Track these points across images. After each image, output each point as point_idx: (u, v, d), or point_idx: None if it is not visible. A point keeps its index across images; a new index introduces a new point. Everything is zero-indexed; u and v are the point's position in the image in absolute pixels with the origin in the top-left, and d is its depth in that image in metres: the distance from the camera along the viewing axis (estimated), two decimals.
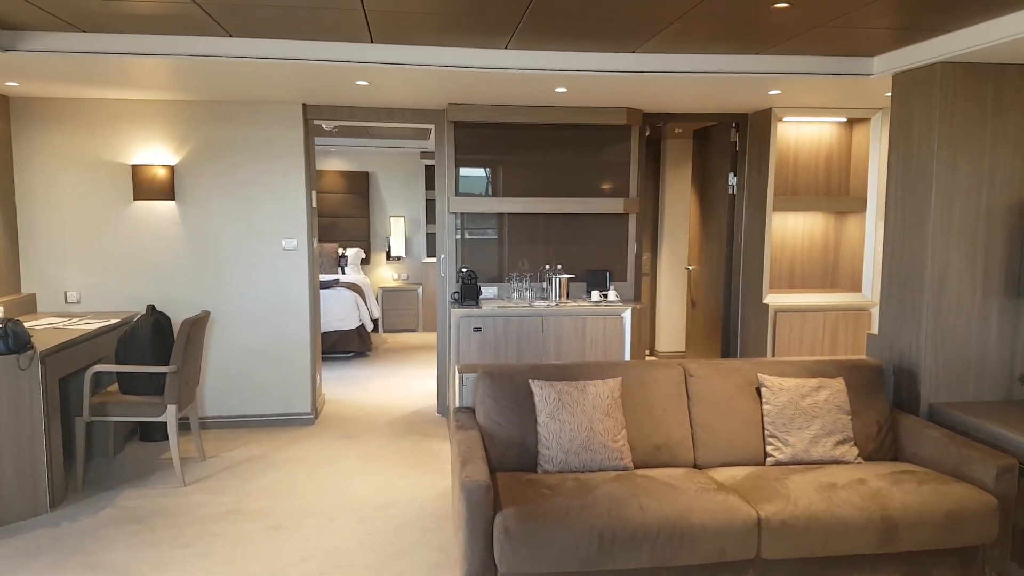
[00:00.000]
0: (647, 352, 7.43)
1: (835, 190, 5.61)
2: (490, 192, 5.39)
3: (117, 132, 5.04)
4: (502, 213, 5.38)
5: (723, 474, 3.25)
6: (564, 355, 4.88)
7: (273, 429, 5.26)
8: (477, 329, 4.80)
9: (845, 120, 5.50)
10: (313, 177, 5.48)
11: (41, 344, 3.88)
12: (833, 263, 5.68)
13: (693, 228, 6.52)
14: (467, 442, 3.12)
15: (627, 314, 4.94)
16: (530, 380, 3.33)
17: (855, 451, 3.40)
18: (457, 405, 3.58)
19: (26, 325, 4.46)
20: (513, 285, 5.22)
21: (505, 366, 3.45)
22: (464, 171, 5.36)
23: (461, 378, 3.55)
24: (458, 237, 5.39)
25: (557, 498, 2.84)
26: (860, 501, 2.93)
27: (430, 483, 4.24)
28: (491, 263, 5.43)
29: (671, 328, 7.40)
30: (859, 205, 5.39)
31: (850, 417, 3.44)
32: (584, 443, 3.19)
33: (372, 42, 3.78)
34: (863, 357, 4.20)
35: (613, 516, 2.76)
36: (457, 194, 5.32)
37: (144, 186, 5.01)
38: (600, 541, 2.72)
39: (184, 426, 5.12)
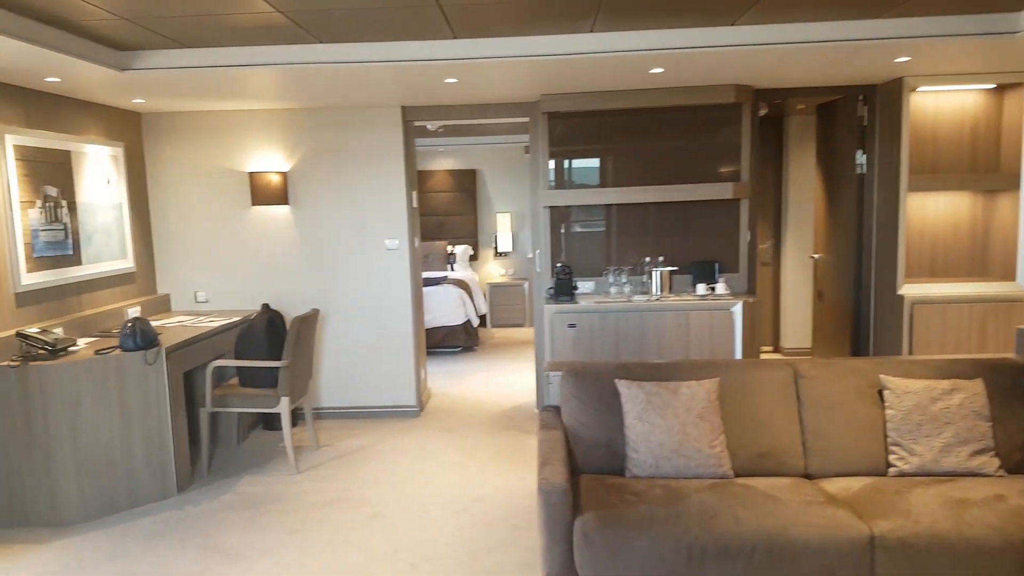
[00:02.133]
0: (769, 348, 7.12)
1: (982, 166, 5.07)
2: (587, 183, 5.35)
3: (235, 142, 5.39)
4: (600, 205, 5.32)
5: (836, 485, 3.05)
6: (666, 353, 4.76)
7: (381, 420, 5.47)
8: (571, 325, 4.78)
9: (993, 87, 4.98)
10: (414, 178, 5.64)
11: (167, 341, 4.23)
12: (982, 248, 5.13)
13: (819, 213, 6.12)
14: (548, 442, 3.13)
15: (738, 308, 4.74)
16: (616, 380, 3.29)
17: (996, 463, 3.08)
18: (544, 403, 3.58)
19: (159, 323, 4.87)
20: (611, 279, 5.15)
21: (591, 364, 3.42)
22: (558, 162, 5.34)
23: (547, 376, 3.55)
24: (561, 230, 5.38)
25: (642, 505, 2.79)
26: (997, 521, 2.64)
27: (523, 479, 4.28)
28: (588, 257, 5.39)
29: (797, 322, 7.03)
30: (1011, 182, 4.84)
31: (990, 424, 3.11)
32: (676, 448, 3.11)
33: (455, 37, 3.84)
34: (1010, 355, 3.76)
35: (704, 528, 2.67)
36: (551, 187, 5.31)
37: (260, 192, 5.33)
38: (688, 553, 2.63)
39: (301, 416, 5.42)
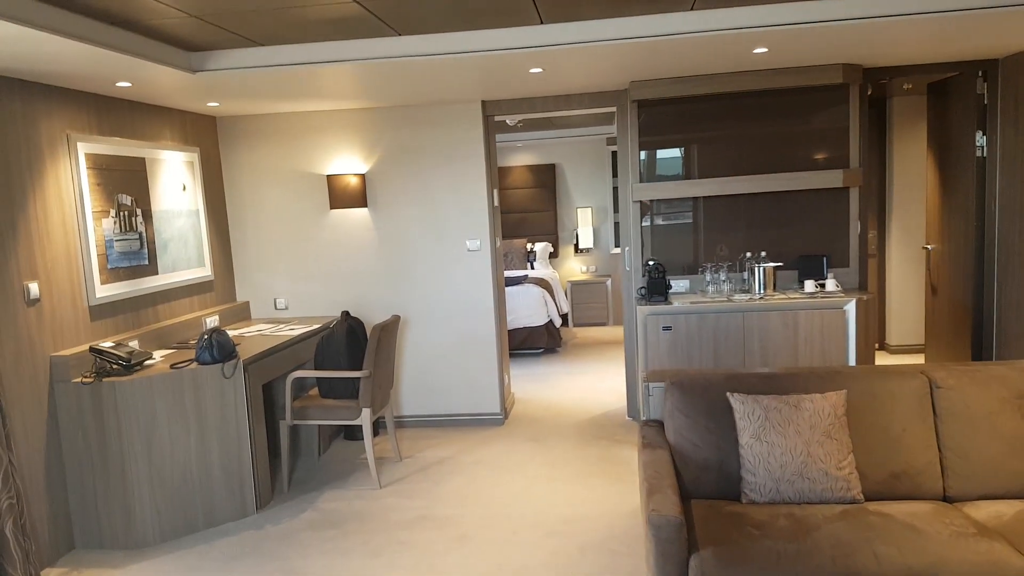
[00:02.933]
0: (875, 345, 6.54)
1: None
2: (680, 174, 4.94)
3: (312, 144, 5.22)
4: (694, 197, 4.90)
5: (984, 511, 2.63)
6: (772, 357, 4.33)
7: (465, 429, 5.22)
8: (667, 328, 4.40)
9: None
10: (495, 175, 5.36)
11: (245, 352, 4.07)
12: None
13: (931, 199, 5.56)
14: (654, 464, 2.77)
15: (851, 307, 4.27)
16: (729, 393, 2.91)
17: None
18: (644, 417, 3.23)
19: (237, 332, 4.74)
20: (708, 277, 4.73)
21: (698, 375, 3.04)
22: (649, 154, 4.95)
23: (647, 387, 3.20)
24: (645, 225, 5.00)
25: (767, 540, 2.42)
26: None
27: (619, 497, 3.93)
28: (683, 253, 4.98)
29: (905, 317, 6.43)
30: None
31: None
32: (799, 470, 2.71)
33: (542, 23, 3.52)
34: None
35: (840, 567, 2.29)
36: (641, 180, 4.93)
37: (339, 195, 5.15)
38: None
39: (383, 425, 5.23)
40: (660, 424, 3.16)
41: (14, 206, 3.47)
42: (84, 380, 3.64)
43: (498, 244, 5.38)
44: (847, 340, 4.29)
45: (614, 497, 3.93)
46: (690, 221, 4.96)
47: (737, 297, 4.47)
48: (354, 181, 5.14)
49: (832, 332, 4.29)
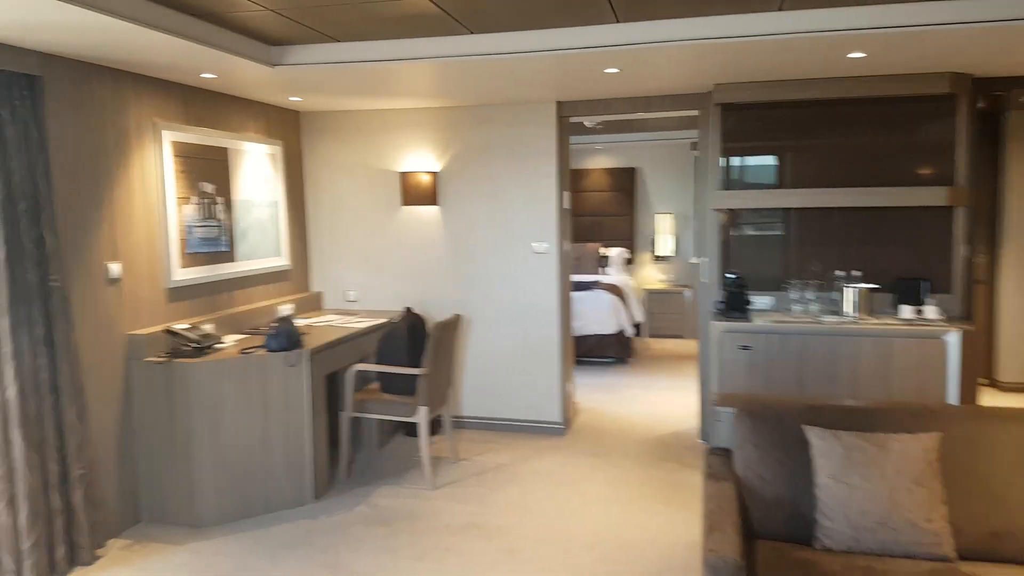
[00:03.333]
0: (984, 381, 6.07)
1: None
2: (764, 183, 4.69)
3: (388, 141, 5.23)
4: (780, 208, 4.64)
5: None
6: (862, 388, 4.03)
7: (524, 435, 5.12)
8: (745, 347, 4.17)
9: None
10: (566, 177, 5.24)
11: (312, 342, 4.09)
12: None
13: None
14: (717, 498, 2.60)
15: (952, 337, 3.93)
16: (806, 426, 2.70)
17: None
18: (707, 444, 3.05)
19: (308, 322, 4.79)
20: (794, 295, 4.47)
21: (773, 403, 2.85)
22: (733, 161, 4.72)
23: (716, 412, 3.02)
24: (728, 236, 4.76)
25: None
26: None
27: (682, 526, 3.74)
28: (766, 268, 4.72)
29: (1019, 351, 5.95)
30: None
31: None
32: (882, 518, 2.49)
33: (617, 22, 3.37)
34: None
35: None
36: (723, 187, 4.69)
37: (411, 192, 5.13)
38: None
39: (442, 423, 5.19)
40: (728, 453, 2.97)
41: (100, 189, 3.57)
42: (157, 359, 3.72)
43: (566, 247, 5.25)
44: (946, 374, 3.95)
45: (676, 526, 3.75)
46: (776, 234, 4.71)
47: (826, 319, 4.19)
48: (426, 179, 5.12)
49: (930, 364, 3.97)
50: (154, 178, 3.94)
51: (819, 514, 2.57)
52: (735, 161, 4.72)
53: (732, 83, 4.41)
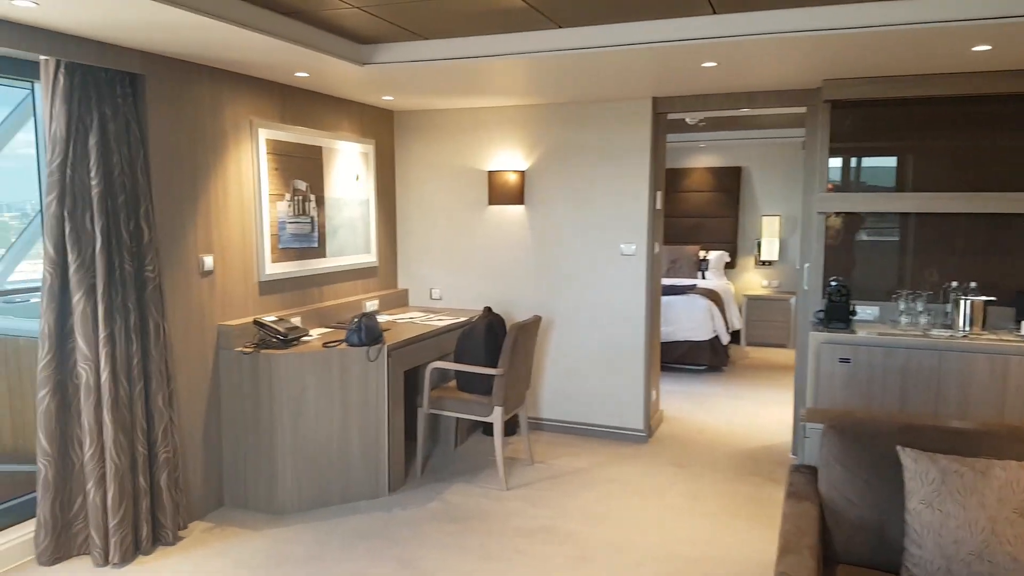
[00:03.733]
0: None
1: None
2: (877, 186, 4.37)
3: (477, 140, 5.23)
4: (893, 213, 4.31)
5: None
6: (971, 408, 3.68)
7: (603, 441, 4.99)
8: (844, 360, 3.89)
9: None
10: (660, 176, 5.06)
11: (392, 338, 4.13)
12: None
13: None
14: (796, 518, 2.41)
15: None
16: (900, 447, 2.47)
17: None
18: (797, 461, 2.85)
19: (392, 318, 4.85)
20: (902, 306, 4.13)
21: (865, 420, 2.62)
22: (842, 161, 4.42)
23: (804, 427, 2.81)
24: (840, 239, 4.46)
25: None
26: None
27: (762, 544, 3.53)
28: (871, 276, 4.40)
29: None
30: None
31: None
32: (979, 550, 2.24)
33: (714, 13, 3.21)
34: None
35: None
36: (829, 189, 4.40)
37: (497, 191, 5.11)
38: None
39: (519, 424, 5.13)
40: (813, 472, 2.76)
41: (197, 184, 3.73)
42: (245, 350, 3.85)
43: (657, 249, 5.08)
44: None
45: (755, 544, 3.54)
46: (887, 240, 4.37)
47: (935, 332, 3.85)
48: (513, 178, 5.08)
49: None
50: (249, 175, 4.08)
51: (908, 541, 2.34)
52: (844, 162, 4.42)
53: (843, 79, 4.12)
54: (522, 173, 5.10)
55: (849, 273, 4.43)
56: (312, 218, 4.58)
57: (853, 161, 4.43)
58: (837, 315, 4.10)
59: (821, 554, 2.32)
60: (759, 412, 5.76)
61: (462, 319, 4.87)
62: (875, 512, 2.45)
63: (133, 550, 3.35)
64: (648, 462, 4.61)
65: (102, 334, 3.18)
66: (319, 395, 3.86)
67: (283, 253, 4.35)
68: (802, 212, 4.68)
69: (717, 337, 6.96)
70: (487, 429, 5.12)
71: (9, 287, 3.62)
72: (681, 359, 6.97)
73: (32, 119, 3.38)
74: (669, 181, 8.87)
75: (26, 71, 3.12)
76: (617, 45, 3.43)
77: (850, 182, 4.44)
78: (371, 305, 5.04)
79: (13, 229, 3.64)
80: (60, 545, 3.26)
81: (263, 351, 3.83)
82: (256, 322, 3.94)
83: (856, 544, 2.46)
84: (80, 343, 3.16)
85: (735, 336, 8.34)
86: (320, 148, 4.63)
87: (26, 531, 3.29)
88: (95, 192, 3.15)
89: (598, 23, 3.39)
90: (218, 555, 3.39)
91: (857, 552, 2.45)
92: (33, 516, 3.31)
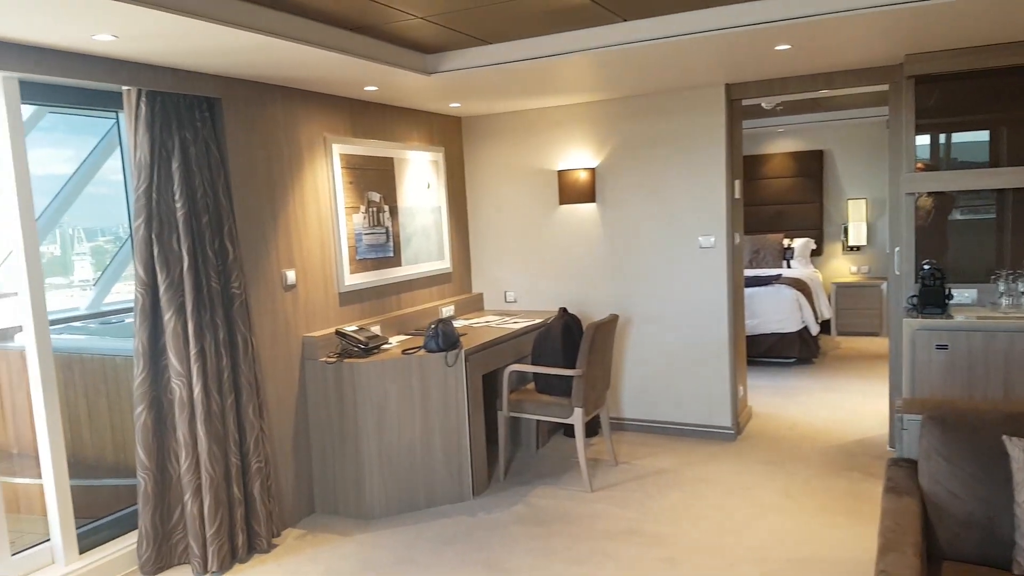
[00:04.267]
0: None
1: None
2: (971, 163, 4.11)
3: (545, 140, 5.21)
4: (985, 190, 4.04)
5: None
6: None
7: (689, 440, 4.88)
8: (941, 347, 3.67)
9: None
10: (738, 164, 4.92)
11: (469, 343, 4.16)
12: None
13: None
14: (897, 514, 2.28)
15: None
16: (1006, 437, 2.31)
17: None
18: (896, 454, 2.71)
19: (468, 323, 4.89)
20: (1002, 287, 3.86)
21: (967, 410, 2.46)
22: (930, 138, 4.18)
23: (901, 419, 2.67)
24: (932, 220, 4.22)
25: None
26: None
27: (862, 541, 3.36)
28: (968, 258, 4.14)
29: None
30: None
31: None
32: None
33: None
34: None
35: None
36: (918, 168, 4.17)
37: (568, 190, 5.08)
38: None
39: (600, 425, 5.08)
40: (913, 465, 2.62)
41: (276, 202, 3.85)
42: (328, 360, 3.95)
43: (737, 240, 4.93)
44: None
45: (858, 541, 3.38)
46: (984, 218, 4.11)
47: None
48: (584, 176, 5.03)
49: None
50: (325, 190, 4.19)
51: (1019, 535, 2.19)
52: (932, 139, 4.18)
53: (926, 52, 3.91)
54: (592, 170, 5.05)
55: (943, 255, 4.18)
56: (387, 228, 4.67)
57: (942, 138, 4.18)
58: (932, 300, 3.88)
59: (924, 551, 2.19)
60: (853, 404, 5.51)
61: (538, 321, 4.86)
62: (981, 506, 2.30)
63: (230, 558, 3.47)
64: (737, 460, 4.48)
65: (193, 350, 3.31)
66: (401, 401, 3.92)
67: (360, 264, 4.45)
68: (889, 194, 4.47)
69: (806, 328, 6.71)
70: (568, 431, 5.08)
71: (105, 309, 3.83)
72: (769, 352, 6.75)
73: (119, 147, 3.56)
74: (747, 168, 8.62)
75: (110, 102, 3.28)
76: (684, 34, 3.35)
77: (939, 159, 4.20)
78: (447, 311, 5.09)
79: (108, 253, 3.85)
80: (161, 555, 3.40)
81: (346, 360, 3.91)
82: (338, 332, 4.04)
83: (962, 540, 2.31)
84: (172, 360, 3.30)
85: (825, 326, 8.02)
86: (392, 159, 4.71)
87: (129, 542, 3.43)
88: (180, 214, 3.29)
89: (663, 13, 3.32)
90: (311, 561, 3.48)
91: (963, 548, 2.31)
92: (135, 528, 3.46)
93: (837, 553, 3.27)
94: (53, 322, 3.19)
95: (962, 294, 4.07)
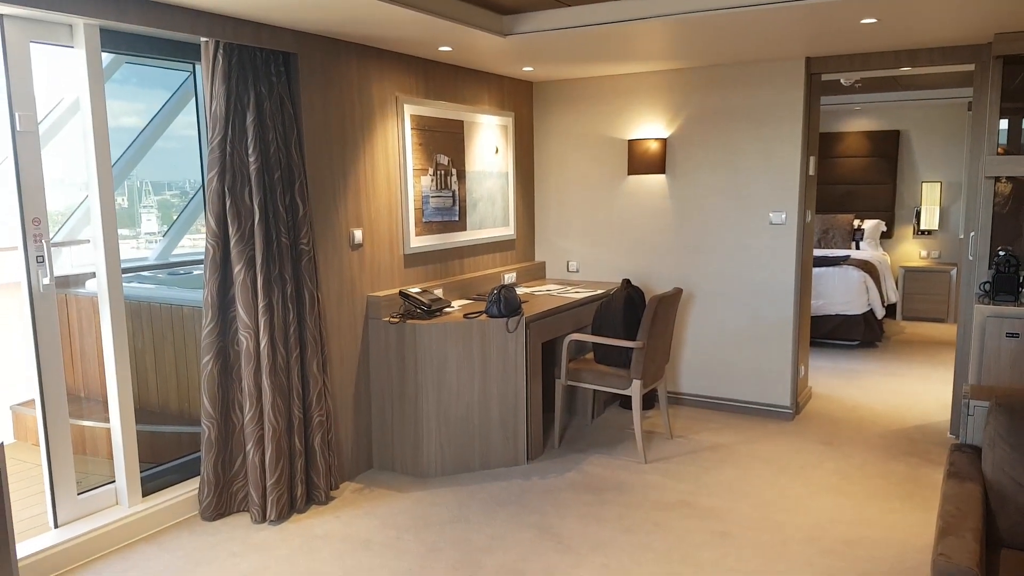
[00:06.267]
0: None
1: None
2: None
3: (617, 108, 5.16)
4: None
5: None
6: None
7: (746, 418, 4.85)
8: (1012, 335, 3.56)
9: None
10: (814, 141, 4.79)
11: (530, 310, 4.20)
12: None
13: None
14: (958, 499, 2.25)
15: None
16: None
17: None
18: (958, 440, 2.65)
19: (529, 291, 4.93)
20: None
21: None
22: (1016, 121, 4.00)
23: (967, 405, 2.61)
24: (1011, 206, 4.07)
25: None
26: None
27: (919, 527, 3.32)
28: None
29: None
30: None
31: None
32: None
33: None
34: None
35: None
36: (1000, 152, 4.00)
37: (637, 160, 5.04)
38: None
39: (657, 399, 5.08)
40: (977, 452, 2.56)
41: (346, 161, 3.93)
42: (391, 320, 4.04)
43: (809, 218, 4.83)
44: None
45: (913, 525, 3.33)
46: None
47: None
48: (654, 146, 4.97)
49: None
50: (395, 150, 4.25)
51: None
52: (1013, 123, 4.00)
53: (1018, 32, 3.72)
54: (664, 141, 4.99)
55: (1018, 242, 4.03)
56: (453, 192, 4.72)
57: None
58: (1005, 287, 3.76)
59: (984, 537, 2.16)
60: (915, 389, 5.38)
61: (599, 292, 4.86)
62: None
63: (288, 508, 3.57)
64: (795, 439, 4.44)
65: (261, 303, 3.41)
66: (460, 365, 3.99)
67: (426, 227, 4.51)
68: (966, 178, 4.30)
69: (871, 311, 6.56)
70: (624, 402, 5.10)
71: (174, 260, 3.97)
72: (832, 334, 6.63)
73: (192, 100, 3.65)
74: (821, 146, 8.39)
75: (187, 53, 3.36)
76: (769, 3, 3.26)
77: (1021, 144, 4.02)
78: (509, 277, 5.13)
79: (173, 206, 3.98)
80: (222, 502, 3.51)
81: (408, 321, 4.00)
82: (402, 293, 4.12)
83: (1023, 528, 2.27)
84: (240, 312, 3.39)
85: (890, 310, 7.82)
86: (461, 122, 4.74)
87: (190, 488, 3.53)
88: (253, 168, 3.36)
89: None
90: (367, 515, 3.60)
91: None
92: (197, 474, 3.59)
93: (892, 535, 3.24)
94: (124, 271, 3.29)
95: None
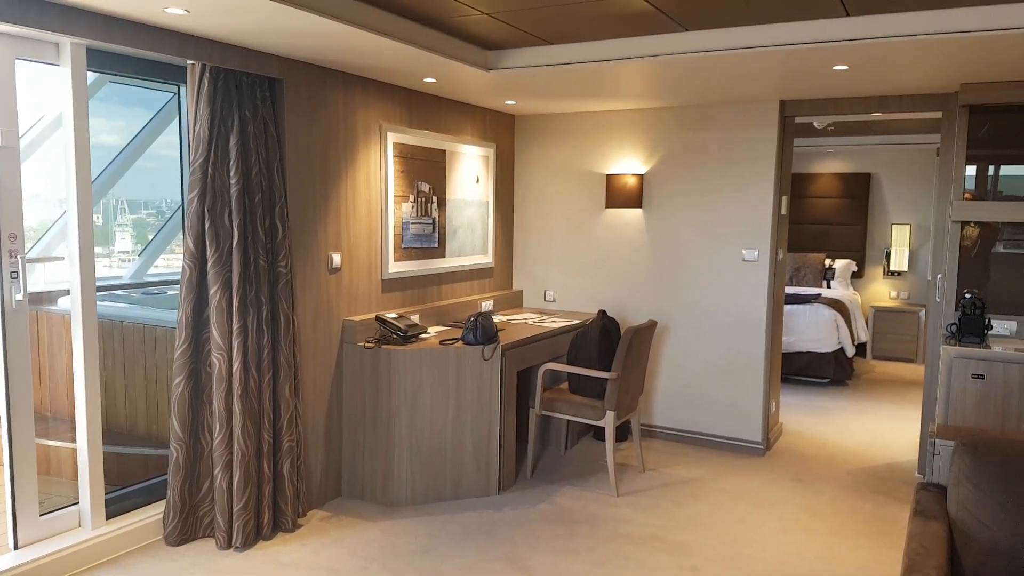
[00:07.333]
0: None
1: None
2: (1015, 195, 4.07)
3: (596, 143, 5.25)
4: None
5: None
6: None
7: (718, 452, 4.88)
8: (977, 376, 3.64)
9: None
10: (786, 181, 4.91)
11: (506, 338, 4.22)
12: None
13: None
14: (923, 538, 2.28)
15: None
16: None
17: None
18: (925, 479, 2.70)
19: (506, 319, 4.95)
20: None
21: (1000, 439, 2.45)
22: (981, 168, 4.14)
23: (934, 444, 2.66)
24: (977, 250, 4.18)
25: None
26: None
27: (887, 565, 3.35)
28: (1010, 288, 4.10)
29: None
30: None
31: None
32: None
33: (847, 15, 3.09)
34: None
35: None
36: (967, 198, 4.13)
37: (615, 194, 5.11)
38: None
39: (630, 431, 5.10)
40: (943, 491, 2.61)
41: (328, 185, 3.95)
42: (367, 345, 4.04)
43: (781, 256, 4.92)
44: None
45: (880, 564, 3.36)
46: None
47: None
48: (632, 181, 5.06)
49: None
50: (377, 177, 4.28)
51: None
52: (980, 170, 4.14)
53: (982, 83, 3.88)
54: (641, 176, 5.08)
55: (984, 286, 4.15)
56: (433, 219, 4.75)
57: (991, 169, 4.14)
58: (971, 329, 3.86)
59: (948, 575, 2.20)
60: (884, 428, 5.46)
61: (576, 321, 4.90)
62: (1010, 536, 2.29)
63: (255, 535, 3.50)
64: (765, 475, 4.47)
65: (236, 325, 3.38)
66: (435, 391, 3.99)
67: (405, 252, 4.53)
68: (935, 221, 4.43)
69: (842, 349, 6.66)
70: (597, 433, 5.12)
71: (148, 279, 3.92)
72: (803, 371, 6.71)
73: (175, 121, 3.64)
74: (794, 186, 8.56)
75: (172, 75, 3.38)
76: (745, 48, 3.36)
77: (986, 191, 4.16)
78: (486, 305, 5.16)
79: (149, 226, 3.95)
80: (187, 527, 3.43)
81: (384, 346, 3.99)
82: (378, 318, 4.12)
83: (988, 569, 2.30)
84: (215, 333, 3.35)
85: (860, 349, 7.94)
86: (443, 151, 4.79)
87: (155, 512, 3.44)
88: (234, 190, 3.36)
89: (725, 26, 3.34)
90: (334, 543, 3.55)
91: None
92: (163, 497, 3.49)
93: (859, 572, 3.27)
94: (98, 289, 3.25)
95: (1001, 325, 4.03)
